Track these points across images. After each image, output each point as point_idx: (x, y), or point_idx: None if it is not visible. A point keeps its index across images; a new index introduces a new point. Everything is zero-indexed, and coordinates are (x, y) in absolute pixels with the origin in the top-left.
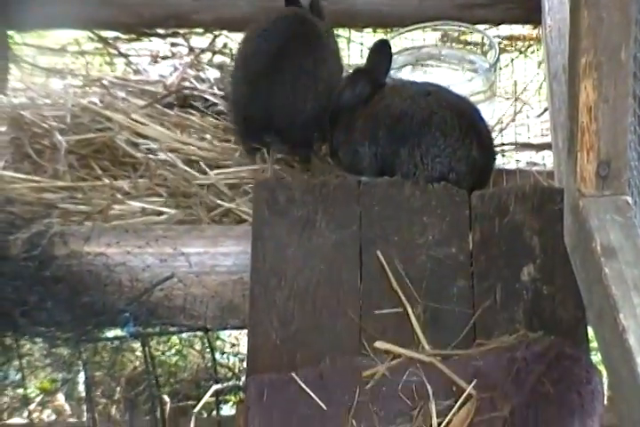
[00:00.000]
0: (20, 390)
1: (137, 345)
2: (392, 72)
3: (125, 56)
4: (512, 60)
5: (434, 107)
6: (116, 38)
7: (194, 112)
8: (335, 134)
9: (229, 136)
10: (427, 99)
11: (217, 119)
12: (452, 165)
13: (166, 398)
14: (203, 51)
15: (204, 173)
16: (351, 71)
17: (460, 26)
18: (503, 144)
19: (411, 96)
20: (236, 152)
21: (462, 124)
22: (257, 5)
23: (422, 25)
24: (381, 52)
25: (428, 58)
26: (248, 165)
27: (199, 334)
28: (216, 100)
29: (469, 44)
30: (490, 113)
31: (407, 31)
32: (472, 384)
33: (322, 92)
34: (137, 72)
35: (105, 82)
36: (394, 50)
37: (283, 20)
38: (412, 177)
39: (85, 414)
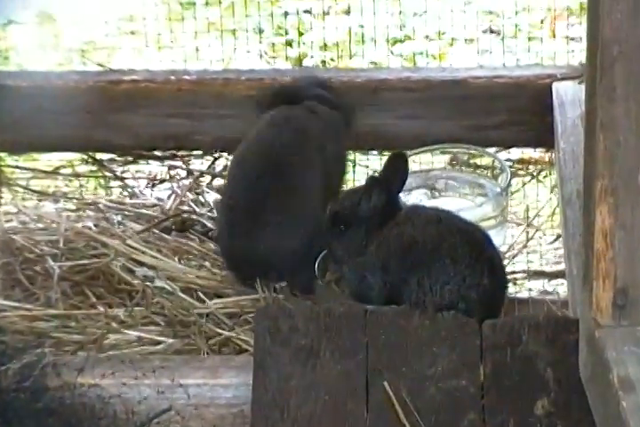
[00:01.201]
0: None
1: None
2: (401, 195)
3: (121, 179)
4: (524, 184)
5: (444, 234)
6: (112, 160)
7: (193, 237)
8: (344, 257)
9: None
10: (437, 226)
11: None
12: (462, 293)
13: None
14: (202, 173)
15: (203, 301)
16: (366, 180)
17: (469, 148)
18: (515, 272)
19: (423, 224)
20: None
21: (473, 251)
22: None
23: (431, 147)
24: (397, 163)
25: (436, 181)
26: (248, 293)
27: None
28: (215, 226)
29: (479, 167)
30: (501, 239)
31: (415, 154)
32: None
33: (309, 218)
34: (133, 195)
35: (100, 205)
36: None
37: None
38: (421, 305)
39: None
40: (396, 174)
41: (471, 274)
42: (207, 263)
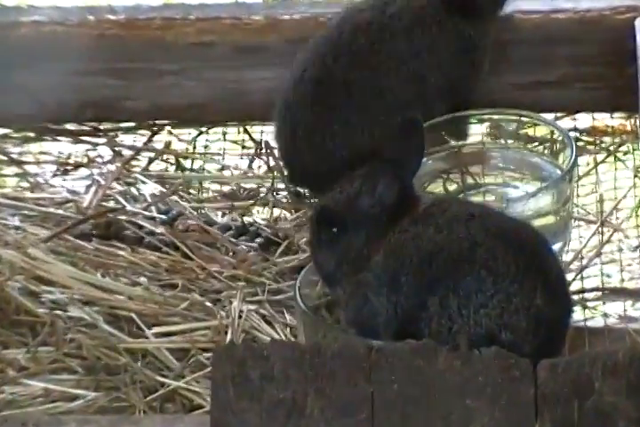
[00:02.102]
0: None
1: None
2: (418, 185)
3: (19, 163)
4: (596, 164)
5: (478, 236)
6: (5, 137)
7: (122, 245)
8: (337, 272)
9: (175, 278)
10: (468, 225)
11: (156, 254)
12: (506, 318)
13: None
14: (135, 154)
15: (138, 334)
16: (367, 164)
17: (517, 114)
18: (584, 290)
19: (448, 223)
20: (184, 302)
21: (520, 259)
22: (215, 87)
23: (463, 113)
24: (408, 134)
25: (471, 162)
26: (203, 320)
27: None
28: (154, 228)
29: (533, 140)
30: (564, 243)
31: (439, 123)
32: None
33: None
34: (36, 187)
35: None
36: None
37: None
38: (446, 337)
39: None
40: (408, 151)
41: (518, 292)
42: (143, 279)
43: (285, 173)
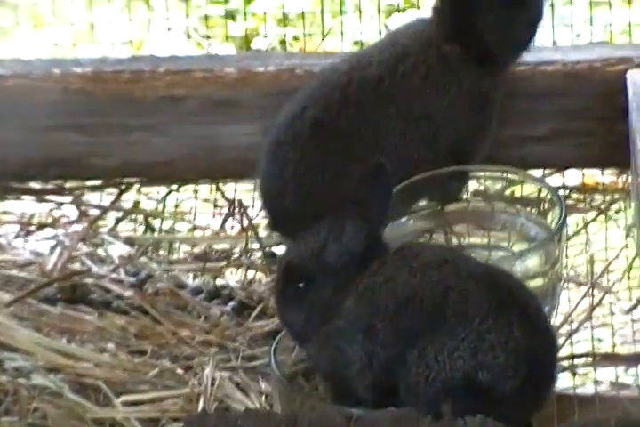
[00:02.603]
0: None
1: None
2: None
3: None
4: (586, 223)
5: (450, 280)
6: None
7: (88, 310)
8: (308, 330)
9: (144, 344)
10: (441, 269)
11: (125, 319)
12: (480, 358)
13: None
14: (102, 214)
15: (106, 403)
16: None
17: (504, 172)
18: (574, 356)
19: (422, 266)
20: (153, 369)
21: (492, 297)
22: (186, 143)
23: (447, 170)
24: (378, 181)
25: (455, 221)
26: (174, 388)
27: None
28: (122, 291)
29: (519, 199)
30: (552, 307)
31: (424, 179)
32: None
33: None
34: None
35: None
36: (404, 207)
37: None
38: (424, 387)
39: None
40: (375, 196)
41: (492, 328)
42: (111, 345)
43: (267, 217)
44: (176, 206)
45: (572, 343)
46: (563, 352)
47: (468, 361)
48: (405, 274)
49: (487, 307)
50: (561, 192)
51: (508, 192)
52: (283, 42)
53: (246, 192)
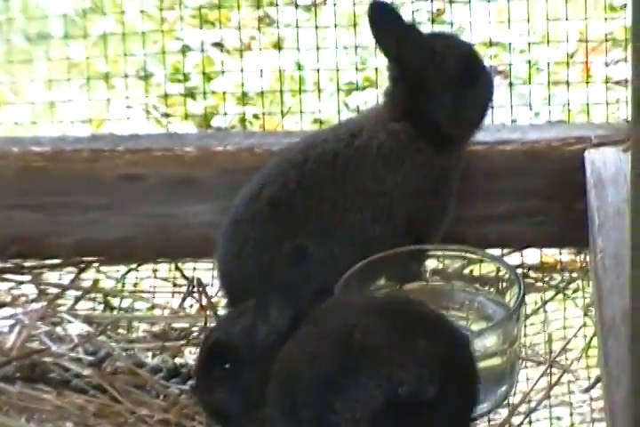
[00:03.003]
0: None
1: None
2: None
3: None
4: (544, 302)
5: (350, 319)
6: None
7: (47, 388)
8: (241, 410)
9: (102, 423)
10: (343, 312)
11: (83, 398)
12: (395, 377)
13: None
14: (61, 293)
15: None
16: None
17: (461, 250)
18: None
19: (325, 316)
20: None
21: (390, 322)
22: (145, 222)
23: (405, 249)
24: (299, 263)
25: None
26: None
27: None
28: (81, 370)
29: (477, 278)
30: (510, 385)
31: (383, 258)
32: None
33: None
34: None
35: None
36: (363, 285)
37: None
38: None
39: None
40: (297, 278)
41: (400, 352)
42: (69, 425)
43: (225, 296)
44: (135, 285)
45: (530, 422)
46: None
47: (384, 386)
48: (311, 329)
49: (390, 334)
50: (519, 271)
51: (466, 271)
52: (243, 120)
53: (205, 271)
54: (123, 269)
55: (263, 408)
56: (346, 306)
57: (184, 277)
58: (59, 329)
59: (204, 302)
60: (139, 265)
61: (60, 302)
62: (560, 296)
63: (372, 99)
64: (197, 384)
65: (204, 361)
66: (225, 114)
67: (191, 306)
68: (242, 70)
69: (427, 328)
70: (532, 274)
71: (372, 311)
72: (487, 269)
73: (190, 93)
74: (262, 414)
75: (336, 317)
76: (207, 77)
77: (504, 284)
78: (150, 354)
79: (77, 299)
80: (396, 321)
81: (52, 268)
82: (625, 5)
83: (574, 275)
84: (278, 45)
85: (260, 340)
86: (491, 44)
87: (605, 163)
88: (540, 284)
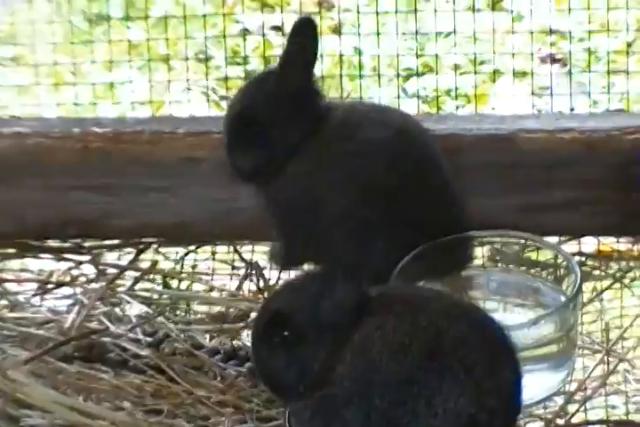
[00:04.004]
0: None
1: None
2: None
3: None
4: (601, 291)
5: (440, 323)
6: None
7: (105, 368)
8: (299, 384)
9: (160, 403)
10: (428, 310)
11: (141, 378)
12: (482, 402)
13: None
14: (120, 273)
15: None
16: (322, 269)
17: (520, 237)
18: (588, 422)
19: (406, 310)
20: None
21: (484, 340)
22: (204, 204)
23: (463, 235)
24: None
25: (471, 287)
26: None
27: None
28: (139, 350)
29: (535, 265)
30: (567, 373)
31: (441, 244)
32: None
33: None
34: (16, 307)
35: None
36: (416, 274)
37: None
38: None
39: None
40: (366, 257)
41: (487, 374)
42: (127, 404)
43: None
44: (193, 267)
45: (585, 410)
46: (577, 419)
47: (470, 406)
48: (393, 321)
49: (483, 352)
50: (577, 258)
51: (524, 258)
52: None
53: (263, 254)
54: (181, 250)
55: (325, 391)
56: (424, 301)
57: (242, 259)
58: (117, 310)
59: (262, 285)
60: (197, 247)
61: (118, 282)
62: (617, 285)
63: (430, 84)
64: (255, 350)
65: (265, 325)
66: None
67: (249, 289)
68: None
69: (508, 357)
70: (589, 262)
71: (458, 317)
72: (545, 256)
73: (249, 76)
74: (324, 394)
75: (420, 313)
76: (266, 61)
77: (561, 271)
78: (208, 336)
79: (136, 280)
80: (485, 338)
81: (112, 248)
82: None
83: (631, 264)
84: (338, 30)
85: (322, 317)
86: (551, 31)
87: None
88: (597, 272)
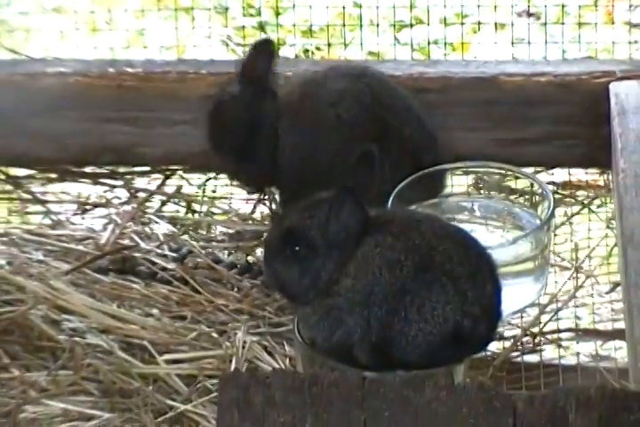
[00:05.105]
0: None
1: None
2: None
3: (42, 202)
4: (571, 215)
5: (431, 240)
6: (30, 178)
7: (136, 279)
8: (302, 294)
9: (184, 310)
10: (419, 230)
11: (168, 288)
12: (466, 309)
13: None
14: (149, 197)
15: (150, 361)
16: (331, 193)
17: (500, 168)
18: (559, 330)
19: (401, 230)
20: (192, 332)
21: (467, 258)
22: None
23: (450, 166)
24: (367, 167)
25: (457, 211)
26: (210, 349)
27: None
28: (166, 264)
29: (514, 192)
30: (540, 288)
31: (430, 173)
32: None
33: None
34: (58, 225)
35: (14, 237)
36: (411, 196)
37: None
38: (423, 337)
39: None
40: (366, 180)
41: (471, 286)
42: (155, 311)
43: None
44: (214, 191)
45: (557, 320)
46: (549, 327)
47: (456, 313)
48: (390, 239)
49: (467, 267)
50: (550, 187)
51: (504, 186)
52: (306, 51)
53: None
54: (204, 177)
55: (331, 300)
56: (416, 222)
57: None
58: (147, 229)
59: (273, 208)
60: (217, 174)
61: (147, 204)
62: (585, 211)
63: (421, 34)
64: (269, 257)
65: (279, 239)
66: (292, 45)
67: (262, 212)
68: (310, 7)
69: (489, 272)
70: (560, 191)
71: (446, 237)
72: (522, 184)
73: (262, 26)
74: (330, 302)
75: (413, 233)
76: (277, 13)
77: (537, 198)
78: (226, 252)
79: (163, 203)
80: (472, 259)
81: (142, 174)
82: None
83: (598, 192)
84: None
85: (330, 235)
86: None
87: (628, 94)
88: (567, 199)
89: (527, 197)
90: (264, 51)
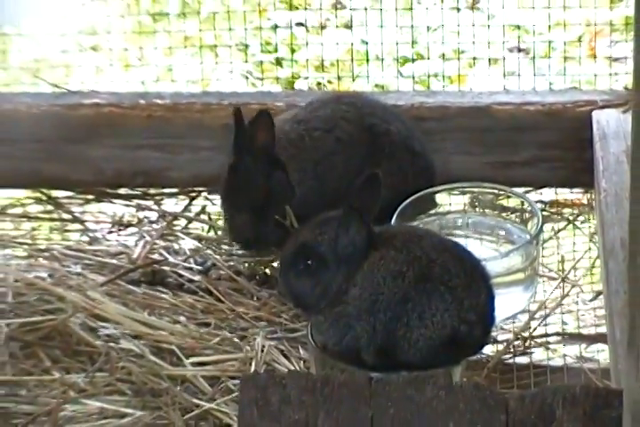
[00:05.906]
0: None
1: None
2: None
3: (80, 221)
4: (558, 231)
5: (431, 253)
6: (69, 199)
7: (165, 290)
8: (314, 303)
9: (208, 318)
10: (420, 244)
11: (194, 298)
12: (462, 316)
13: None
14: (176, 216)
15: (177, 364)
16: (339, 211)
17: (493, 188)
18: (547, 335)
19: (403, 243)
20: (216, 338)
21: (464, 269)
22: None
23: (448, 186)
24: (372, 188)
25: (454, 227)
26: (231, 353)
27: None
28: (192, 276)
29: (506, 210)
30: (529, 296)
31: (429, 193)
32: None
33: None
34: (94, 241)
35: (55, 253)
36: (412, 213)
37: None
38: (424, 341)
39: None
40: (370, 200)
41: (468, 295)
42: (182, 318)
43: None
44: None
45: (545, 325)
46: (538, 332)
47: (453, 319)
48: (393, 252)
49: (463, 277)
50: (539, 205)
51: (497, 204)
52: (319, 84)
53: None
54: None
55: (340, 308)
56: (417, 237)
57: None
58: (174, 244)
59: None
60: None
61: (175, 223)
62: (570, 226)
63: (421, 69)
64: (283, 271)
65: (293, 254)
66: (306, 78)
67: None
68: (321, 44)
69: (485, 284)
70: (547, 208)
71: (444, 250)
72: (513, 202)
73: (279, 62)
74: (339, 310)
75: (414, 247)
76: (292, 50)
77: (526, 215)
78: (246, 265)
79: (189, 221)
80: (468, 270)
81: (170, 196)
82: None
83: (582, 210)
84: (349, 25)
85: (340, 250)
86: (518, 27)
87: (609, 121)
88: (554, 216)
89: (518, 214)
90: (264, 122)
